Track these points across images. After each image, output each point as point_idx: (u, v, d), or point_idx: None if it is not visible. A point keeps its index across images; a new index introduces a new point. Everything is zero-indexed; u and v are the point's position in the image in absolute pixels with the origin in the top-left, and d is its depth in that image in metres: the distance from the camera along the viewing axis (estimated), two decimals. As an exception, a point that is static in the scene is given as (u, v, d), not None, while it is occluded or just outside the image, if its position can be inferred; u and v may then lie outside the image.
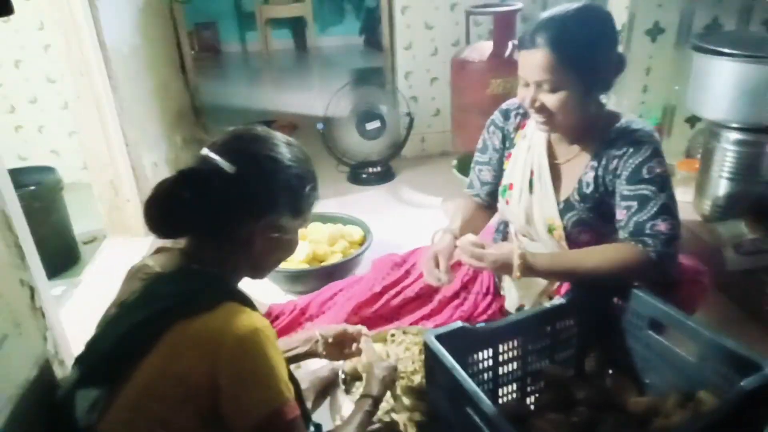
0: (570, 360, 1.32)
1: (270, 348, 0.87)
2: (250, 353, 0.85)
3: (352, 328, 1.33)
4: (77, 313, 1.74)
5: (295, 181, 0.98)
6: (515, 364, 1.26)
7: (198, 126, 3.35)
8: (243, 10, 6.37)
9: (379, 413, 1.27)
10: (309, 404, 1.40)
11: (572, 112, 1.29)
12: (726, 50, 1.76)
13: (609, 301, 1.31)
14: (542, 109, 1.30)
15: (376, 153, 2.97)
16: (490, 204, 1.61)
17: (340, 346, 1.32)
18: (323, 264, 2.03)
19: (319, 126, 2.89)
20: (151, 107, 2.55)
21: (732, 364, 1.07)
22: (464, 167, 2.13)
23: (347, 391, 1.43)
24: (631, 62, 2.20)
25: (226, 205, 0.92)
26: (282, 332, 1.61)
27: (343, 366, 1.47)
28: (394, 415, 1.34)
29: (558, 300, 1.28)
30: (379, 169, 3.00)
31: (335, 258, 2.06)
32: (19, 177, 2.17)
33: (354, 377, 1.47)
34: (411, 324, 1.62)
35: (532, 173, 1.45)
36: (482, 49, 2.63)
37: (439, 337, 1.12)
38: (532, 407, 1.28)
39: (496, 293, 1.67)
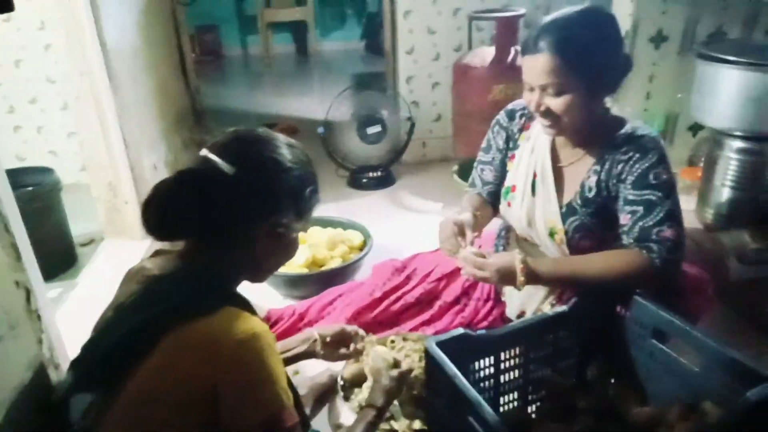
0: (572, 369, 1.31)
1: (269, 353, 0.86)
2: (249, 358, 0.84)
3: (349, 328, 1.32)
4: (73, 316, 1.73)
5: (296, 183, 0.97)
6: (517, 372, 1.25)
7: (198, 129, 3.34)
8: (244, 14, 6.38)
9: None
10: (307, 410, 1.38)
11: (577, 115, 1.29)
12: (730, 58, 1.75)
13: (612, 309, 1.30)
14: (548, 113, 1.29)
15: (377, 158, 2.96)
16: (494, 203, 1.60)
17: (338, 346, 1.31)
18: (323, 269, 2.02)
19: (320, 130, 2.88)
20: (151, 109, 2.54)
21: (737, 374, 1.06)
22: (465, 173, 2.12)
23: (346, 398, 1.42)
24: (634, 70, 2.21)
25: (226, 207, 0.91)
26: (280, 337, 1.58)
27: (342, 372, 1.45)
28: (393, 423, 1.32)
29: (560, 308, 1.27)
30: (379, 173, 2.99)
31: (335, 263, 2.05)
32: (17, 177, 2.16)
33: (353, 384, 1.46)
34: (411, 330, 1.61)
35: (535, 175, 1.44)
36: (484, 54, 2.62)
37: (440, 344, 1.11)
38: (534, 416, 1.27)
39: (497, 300, 1.65)
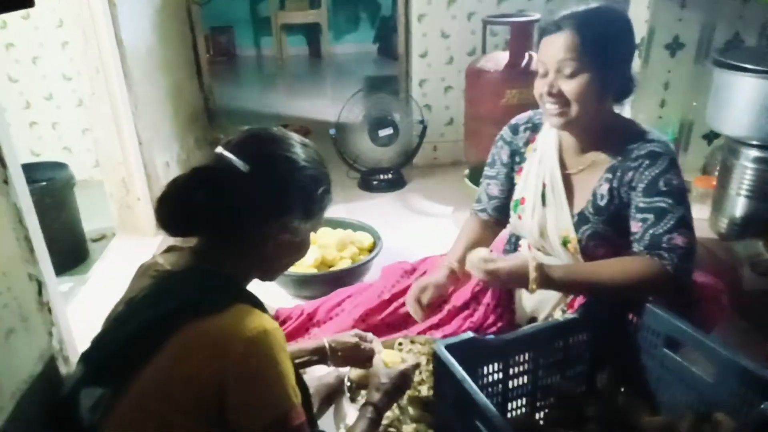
0: (581, 376, 1.30)
1: (279, 351, 0.86)
2: (259, 355, 0.84)
3: (364, 345, 1.30)
4: (84, 311, 1.74)
5: (309, 183, 0.97)
6: (525, 378, 1.24)
7: (211, 128, 3.36)
8: (259, 16, 6.42)
9: (384, 422, 1.24)
10: (314, 410, 1.38)
11: (587, 104, 1.28)
12: (747, 66, 1.74)
13: (623, 316, 1.28)
14: (560, 96, 1.28)
15: (388, 160, 2.96)
16: (497, 220, 1.60)
17: (348, 360, 1.30)
18: (332, 269, 2.02)
19: (332, 131, 2.88)
20: (165, 107, 2.56)
21: (750, 385, 1.05)
22: (476, 177, 2.11)
23: (352, 399, 1.41)
24: (649, 76, 2.22)
25: (239, 204, 0.91)
26: (289, 337, 1.59)
27: (349, 373, 1.45)
28: (400, 426, 1.32)
29: (571, 314, 1.26)
30: (390, 176, 2.99)
31: (344, 264, 2.05)
32: (31, 172, 2.17)
33: (359, 385, 1.45)
34: (419, 333, 1.60)
35: (544, 185, 1.43)
36: (498, 59, 2.61)
37: (449, 348, 1.11)
38: (541, 423, 1.26)
39: (507, 305, 1.64)
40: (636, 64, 2.19)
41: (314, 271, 2.00)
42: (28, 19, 2.67)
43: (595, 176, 1.37)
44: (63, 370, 1.08)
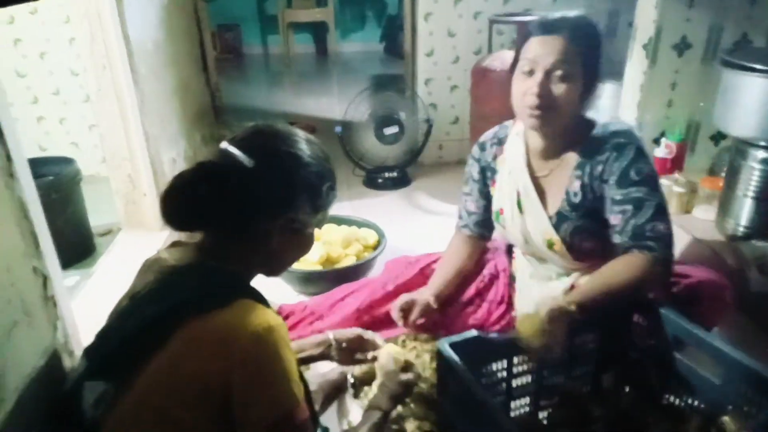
0: (586, 376, 1.29)
1: (284, 347, 0.85)
2: (264, 351, 0.83)
3: (367, 335, 1.30)
4: (89, 305, 1.74)
5: (314, 179, 0.97)
6: (530, 377, 1.23)
7: (217, 125, 3.36)
8: (266, 14, 6.43)
9: (387, 420, 1.24)
10: (317, 406, 1.38)
11: (570, 109, 1.30)
12: (756, 66, 1.72)
13: (628, 317, 1.28)
14: (547, 97, 1.27)
15: (393, 158, 2.96)
16: (480, 234, 1.63)
17: (353, 352, 1.30)
18: (336, 266, 2.02)
19: (337, 129, 2.88)
20: (171, 104, 2.56)
21: (758, 387, 1.04)
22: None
23: (356, 396, 1.41)
24: (656, 76, 2.20)
25: (244, 200, 0.91)
26: (290, 331, 1.59)
27: (353, 370, 1.44)
28: (403, 423, 1.31)
29: (576, 314, 1.25)
30: (395, 174, 2.99)
31: (348, 261, 2.05)
32: (38, 167, 2.17)
33: (363, 382, 1.45)
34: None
35: (518, 194, 1.45)
36: (504, 58, 2.60)
37: (453, 345, 1.10)
38: (545, 422, 1.26)
39: (511, 303, 1.64)
40: (643, 63, 2.18)
41: (319, 267, 2.00)
42: (35, 14, 2.68)
43: (565, 175, 1.39)
44: (67, 364, 1.08)
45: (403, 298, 1.49)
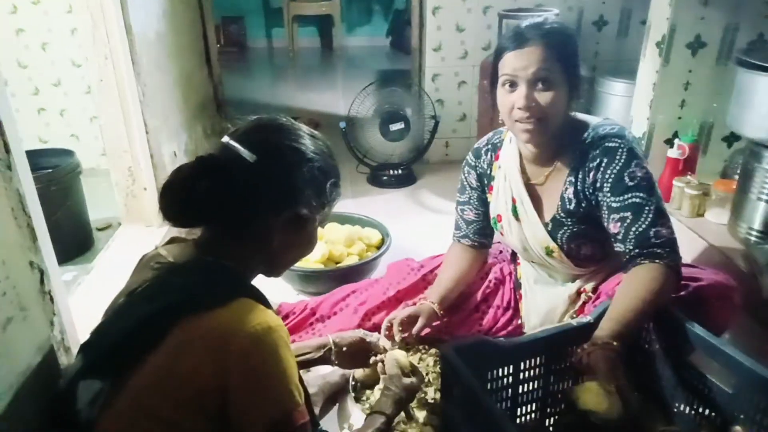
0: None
1: (283, 348, 0.84)
2: (262, 353, 0.82)
3: (370, 337, 1.28)
4: (87, 300, 1.72)
5: (317, 174, 0.95)
6: (536, 383, 1.22)
7: (220, 119, 3.34)
8: (270, 7, 6.40)
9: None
10: (317, 410, 1.36)
11: (559, 116, 1.29)
12: (773, 66, 1.69)
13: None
14: (536, 108, 1.26)
15: (398, 155, 2.93)
16: (480, 243, 1.60)
17: (353, 356, 1.27)
18: (339, 265, 1.99)
19: (342, 125, 2.85)
20: (173, 96, 2.54)
21: (773, 398, 1.01)
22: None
23: (357, 399, 1.39)
24: (669, 76, 2.17)
25: (245, 195, 0.89)
26: (290, 332, 1.57)
27: (354, 373, 1.42)
28: (405, 427, 1.29)
29: (584, 318, 1.22)
30: (400, 171, 2.96)
31: (351, 260, 2.02)
32: (37, 159, 2.17)
33: (365, 385, 1.43)
34: (426, 335, 1.56)
35: (514, 201, 1.44)
36: (513, 54, 2.57)
37: (458, 350, 1.09)
38: (551, 429, 1.23)
39: (517, 308, 1.61)
40: (656, 62, 2.14)
41: (321, 266, 1.97)
42: (38, 4, 2.66)
43: (559, 182, 1.38)
44: (64, 360, 1.07)
45: (404, 312, 1.44)
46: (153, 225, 2.20)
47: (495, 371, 1.16)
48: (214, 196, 0.88)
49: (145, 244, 1.86)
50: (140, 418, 0.80)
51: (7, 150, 0.97)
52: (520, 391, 1.20)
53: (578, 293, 1.48)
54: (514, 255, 1.66)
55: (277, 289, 1.92)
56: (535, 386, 1.21)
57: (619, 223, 1.26)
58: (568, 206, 1.37)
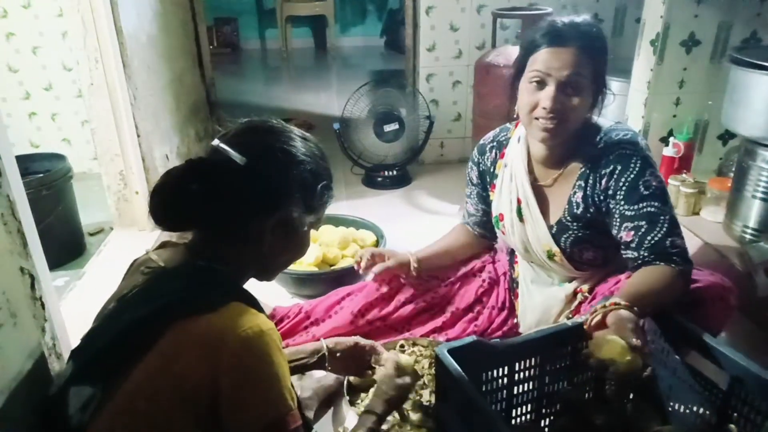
0: (589, 383, 1.26)
1: (275, 352, 0.83)
2: (255, 356, 0.81)
3: (364, 342, 1.27)
4: (80, 305, 1.71)
5: (309, 177, 0.95)
6: (531, 384, 1.21)
7: (212, 121, 3.33)
8: (264, 7, 6.39)
9: (384, 426, 1.21)
10: (311, 414, 1.35)
11: (579, 120, 1.29)
12: (766, 64, 1.69)
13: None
14: (559, 113, 1.25)
15: (393, 156, 2.92)
16: (481, 234, 1.64)
17: (347, 362, 1.26)
18: (333, 268, 1.98)
19: (336, 126, 2.84)
20: (165, 99, 2.52)
21: (766, 395, 1.01)
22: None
23: (352, 402, 1.38)
24: (664, 74, 2.17)
25: (236, 198, 0.88)
26: (285, 335, 1.56)
27: (349, 377, 1.41)
28: (399, 430, 1.28)
29: (579, 318, 1.22)
30: (395, 172, 2.95)
31: (346, 262, 2.01)
32: (29, 163, 2.16)
33: (359, 388, 1.42)
34: (422, 336, 1.56)
35: (519, 201, 1.44)
36: (508, 53, 2.56)
37: (452, 351, 1.08)
38: (547, 430, 1.23)
39: (512, 309, 1.61)
40: (651, 60, 2.14)
41: (315, 269, 1.96)
42: (28, 8, 2.65)
43: (568, 185, 1.37)
44: (56, 366, 1.06)
45: (379, 249, 1.58)
46: (145, 229, 2.18)
47: (490, 372, 1.15)
48: (204, 200, 0.87)
49: (137, 248, 1.85)
50: (131, 423, 0.80)
51: (-4, 154, 0.96)
52: (515, 392, 1.19)
53: (575, 294, 1.48)
54: (511, 253, 1.66)
55: (271, 293, 1.91)
56: (530, 387, 1.20)
57: (632, 232, 1.25)
58: (575, 210, 1.36)
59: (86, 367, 0.87)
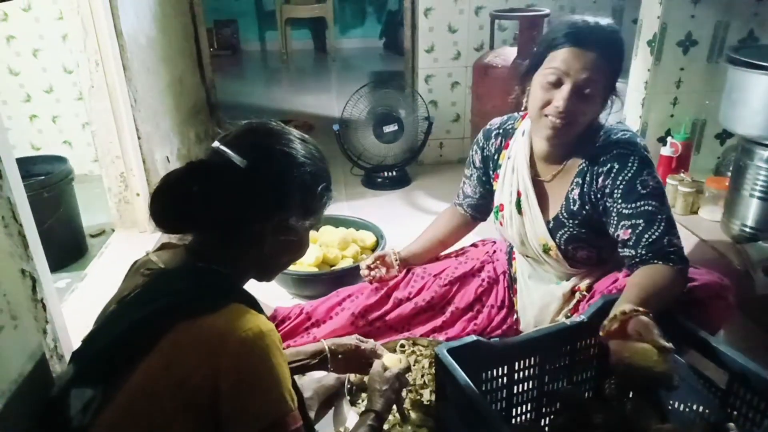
0: (589, 382, 1.28)
1: (275, 353, 0.83)
2: (255, 357, 0.81)
3: (365, 345, 1.27)
4: (81, 307, 1.71)
5: (308, 179, 0.95)
6: (531, 383, 1.22)
7: (212, 123, 3.33)
8: (263, 9, 6.40)
9: (385, 426, 1.21)
10: (312, 414, 1.36)
11: (587, 123, 1.30)
12: (762, 64, 1.70)
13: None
14: (571, 114, 1.25)
15: (392, 157, 2.93)
16: (472, 216, 1.67)
17: (348, 362, 1.27)
18: (333, 268, 1.98)
19: (335, 127, 2.85)
20: (165, 101, 2.53)
21: (765, 394, 1.02)
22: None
23: (353, 402, 1.39)
24: (661, 74, 2.18)
25: (236, 200, 0.89)
26: (286, 336, 1.57)
27: (350, 376, 1.42)
28: (400, 430, 1.29)
29: (578, 318, 1.22)
30: (394, 173, 2.95)
31: (346, 263, 2.01)
32: (30, 166, 2.17)
33: (360, 388, 1.42)
34: (422, 336, 1.57)
35: (519, 194, 1.44)
36: (506, 54, 2.57)
37: (452, 351, 1.08)
38: (547, 429, 1.24)
39: (511, 308, 1.61)
40: (648, 60, 2.15)
41: (315, 270, 1.96)
42: (29, 11, 2.65)
43: (567, 181, 1.38)
44: (57, 368, 1.06)
45: (371, 258, 1.62)
46: (147, 231, 2.19)
47: (489, 372, 1.15)
48: (204, 201, 0.87)
49: (138, 249, 1.84)
50: (132, 424, 0.80)
51: (-3, 156, 0.96)
52: (515, 391, 1.20)
53: (572, 291, 1.48)
54: (510, 250, 1.66)
55: (271, 293, 1.92)
56: (530, 386, 1.21)
57: (630, 230, 1.26)
58: (572, 207, 1.37)
59: (87, 368, 0.87)
